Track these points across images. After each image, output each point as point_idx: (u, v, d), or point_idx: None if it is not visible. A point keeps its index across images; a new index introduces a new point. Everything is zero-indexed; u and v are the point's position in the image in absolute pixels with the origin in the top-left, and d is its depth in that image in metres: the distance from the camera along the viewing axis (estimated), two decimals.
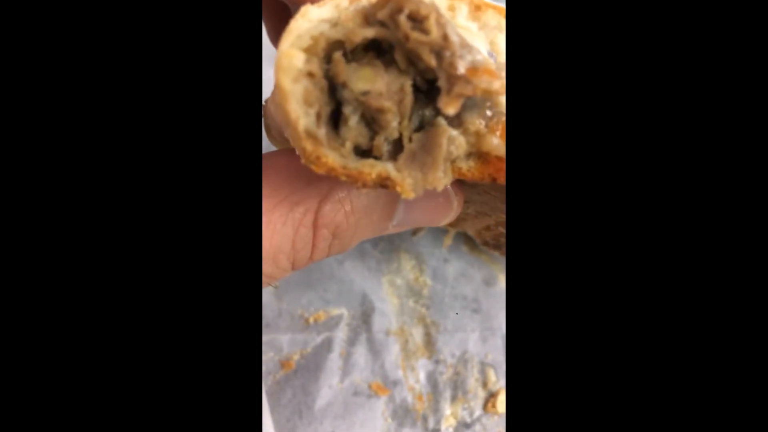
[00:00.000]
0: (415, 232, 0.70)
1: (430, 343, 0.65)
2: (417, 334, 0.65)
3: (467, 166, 0.29)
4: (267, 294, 0.64)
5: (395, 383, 0.62)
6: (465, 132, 0.27)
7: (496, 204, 0.43)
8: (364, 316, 0.65)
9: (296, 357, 0.62)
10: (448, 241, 0.69)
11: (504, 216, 0.43)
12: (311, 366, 0.62)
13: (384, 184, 0.27)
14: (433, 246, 0.71)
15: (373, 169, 0.27)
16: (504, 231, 0.46)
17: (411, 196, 0.27)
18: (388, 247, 0.70)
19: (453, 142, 0.27)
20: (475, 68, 0.24)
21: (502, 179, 0.29)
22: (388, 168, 0.27)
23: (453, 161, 0.28)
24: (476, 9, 0.29)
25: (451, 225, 0.58)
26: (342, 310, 0.65)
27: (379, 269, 0.68)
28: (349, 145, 0.26)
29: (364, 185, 0.27)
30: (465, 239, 0.70)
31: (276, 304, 0.65)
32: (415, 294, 0.68)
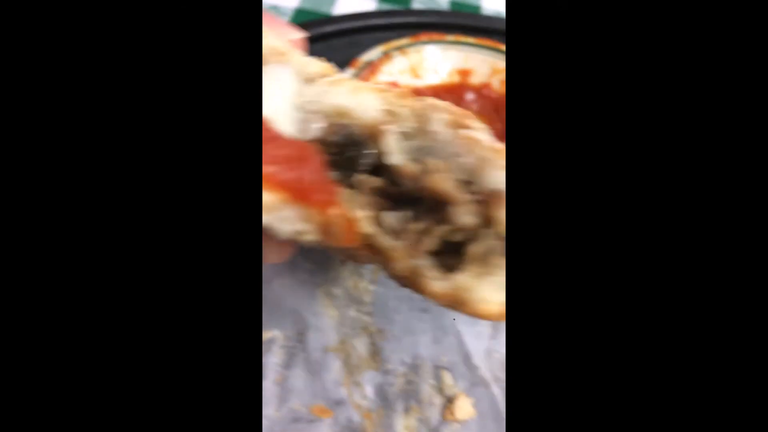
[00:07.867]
0: None
1: (376, 354, 0.59)
2: (361, 346, 0.59)
3: None
4: None
5: (338, 403, 0.55)
6: None
7: None
8: (299, 336, 0.59)
9: None
10: None
11: None
12: None
13: None
14: None
15: None
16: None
17: None
18: (321, 257, 0.65)
19: None
20: None
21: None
22: None
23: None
24: None
25: None
26: (274, 333, 0.59)
27: (312, 281, 0.63)
28: None
29: None
30: None
31: None
32: (356, 302, 0.62)
